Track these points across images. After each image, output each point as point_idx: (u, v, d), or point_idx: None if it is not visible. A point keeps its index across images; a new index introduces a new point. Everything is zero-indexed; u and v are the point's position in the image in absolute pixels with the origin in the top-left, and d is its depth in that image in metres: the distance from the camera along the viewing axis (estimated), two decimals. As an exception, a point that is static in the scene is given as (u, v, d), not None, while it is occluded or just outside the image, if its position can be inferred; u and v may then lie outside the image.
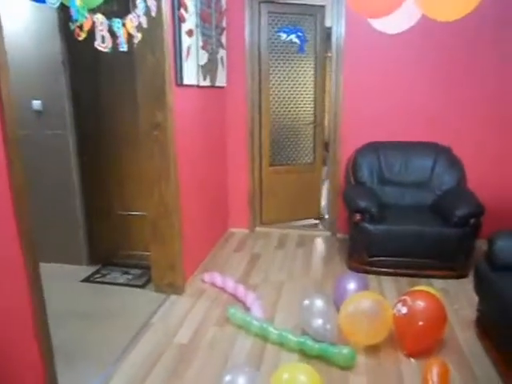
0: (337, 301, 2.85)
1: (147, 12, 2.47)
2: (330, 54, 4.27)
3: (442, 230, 3.32)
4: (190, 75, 3.19)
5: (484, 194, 3.58)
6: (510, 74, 3.82)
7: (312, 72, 4.61)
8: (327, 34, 4.39)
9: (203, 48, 3.42)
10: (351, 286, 2.87)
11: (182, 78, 3.03)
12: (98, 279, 3.46)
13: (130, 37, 2.31)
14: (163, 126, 2.90)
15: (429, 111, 4.02)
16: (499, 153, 3.99)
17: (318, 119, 4.77)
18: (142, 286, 3.33)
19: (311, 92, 4.65)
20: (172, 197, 3.01)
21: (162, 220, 3.06)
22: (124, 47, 2.22)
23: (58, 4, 1.74)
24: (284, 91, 4.53)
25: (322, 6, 4.44)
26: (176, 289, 3.19)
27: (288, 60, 4.47)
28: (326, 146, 4.81)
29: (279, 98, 4.52)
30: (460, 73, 3.90)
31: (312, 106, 4.69)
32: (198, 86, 3.38)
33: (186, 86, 3.14)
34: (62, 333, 2.69)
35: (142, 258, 3.60)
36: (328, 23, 4.08)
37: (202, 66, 3.40)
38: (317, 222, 4.83)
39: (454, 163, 3.82)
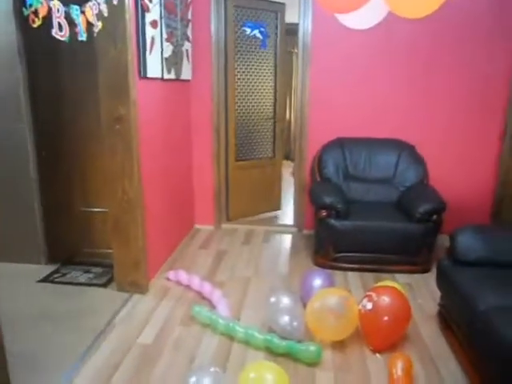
0: (303, 297, 2.85)
1: (108, 0, 2.37)
2: (296, 50, 4.27)
3: (406, 225, 3.37)
4: (154, 68, 3.10)
5: (446, 192, 3.65)
6: (475, 74, 3.90)
7: (273, 68, 4.65)
8: (292, 30, 4.39)
9: (168, 40, 3.32)
10: (317, 282, 2.87)
11: (145, 71, 2.94)
12: (57, 279, 3.32)
13: (89, 25, 2.20)
14: (126, 120, 2.80)
15: (395, 108, 4.06)
16: (461, 153, 4.08)
17: (278, 114, 4.82)
18: (104, 285, 3.22)
19: (272, 87, 4.68)
20: (135, 192, 2.92)
21: (125, 216, 2.97)
22: (83, 36, 2.12)
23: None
24: (248, 86, 4.52)
25: (283, 4, 4.53)
26: (139, 287, 3.11)
27: (252, 55, 4.48)
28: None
29: (244, 92, 4.50)
30: (426, 71, 3.96)
31: (272, 101, 4.72)
32: (162, 79, 3.29)
33: (150, 78, 3.05)
34: (21, 337, 2.57)
35: (105, 256, 3.48)
36: (294, 19, 4.06)
37: (166, 59, 3.31)
38: (277, 213, 4.95)
39: (417, 160, 3.88)
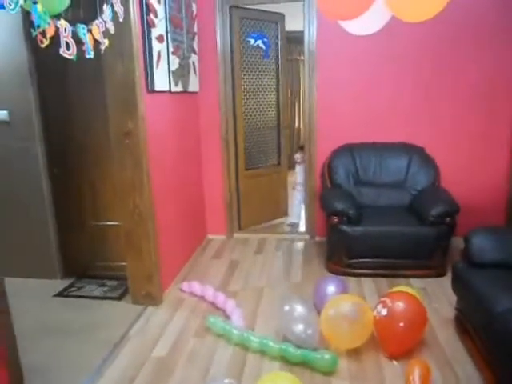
0: (317, 305, 2.83)
1: (114, 17, 2.40)
2: (302, 58, 4.31)
3: (419, 229, 3.34)
4: (162, 81, 3.13)
5: (459, 193, 3.61)
6: (482, 74, 3.87)
7: (275, 76, 4.74)
8: (299, 37, 4.42)
9: (174, 53, 3.36)
10: (331, 289, 2.85)
11: (153, 85, 2.97)
12: (72, 293, 3.35)
13: (97, 43, 2.24)
14: (134, 134, 2.83)
15: (402, 112, 4.05)
16: (472, 153, 4.04)
17: (283, 122, 4.88)
18: (119, 298, 3.24)
19: (275, 96, 4.77)
20: (146, 206, 2.94)
21: (137, 229, 2.99)
22: (90, 54, 2.15)
23: (16, 9, 1.67)
24: (254, 95, 4.57)
25: (282, 14, 4.66)
26: (153, 300, 3.12)
27: (256, 65, 4.54)
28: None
29: (250, 102, 4.54)
30: (432, 73, 3.94)
31: (276, 109, 4.80)
32: (169, 92, 3.32)
33: (158, 92, 3.08)
34: (36, 351, 2.59)
35: (119, 269, 3.50)
36: (299, 26, 4.09)
37: (173, 72, 3.34)
38: (284, 219, 5.02)
39: (428, 162, 3.85)
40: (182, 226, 3.74)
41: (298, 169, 4.86)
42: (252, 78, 4.51)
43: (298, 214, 4.87)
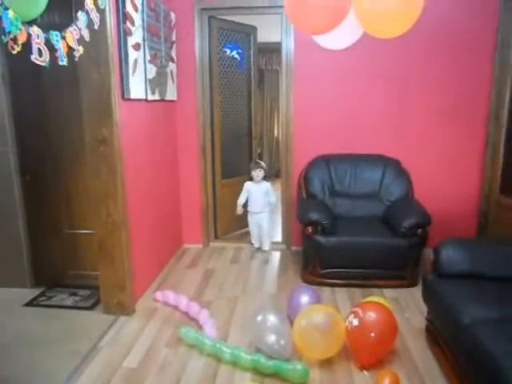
0: (291, 315, 2.83)
1: (90, 25, 2.39)
2: (278, 68, 4.36)
3: (392, 240, 3.38)
4: (138, 89, 3.11)
5: (431, 205, 3.68)
6: (457, 86, 3.96)
7: (247, 87, 4.82)
8: (278, 48, 4.46)
9: (151, 62, 3.35)
10: (304, 299, 2.86)
11: (128, 93, 2.95)
12: (42, 302, 3.28)
13: (71, 50, 2.22)
14: (109, 142, 2.81)
15: (378, 124, 4.11)
16: (446, 165, 4.12)
17: (254, 132, 4.96)
18: (91, 308, 3.19)
19: (248, 106, 4.82)
20: (120, 214, 2.91)
21: (110, 238, 2.96)
22: (63, 61, 2.12)
23: (-14, 15, 1.64)
24: (230, 105, 4.61)
25: (255, 27, 4.76)
26: (126, 309, 3.08)
27: (232, 75, 4.59)
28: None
29: (227, 111, 4.58)
30: (407, 86, 4.02)
31: (247, 118, 4.86)
32: (146, 100, 3.31)
33: (133, 100, 3.06)
34: (5, 362, 2.52)
35: (92, 278, 3.44)
36: (277, 38, 4.13)
37: (150, 80, 3.33)
38: None
39: (402, 174, 3.92)
40: (157, 234, 3.71)
41: (256, 187, 4.15)
42: (228, 88, 4.55)
43: (259, 236, 4.31)
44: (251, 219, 4.28)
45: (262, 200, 4.15)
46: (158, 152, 3.72)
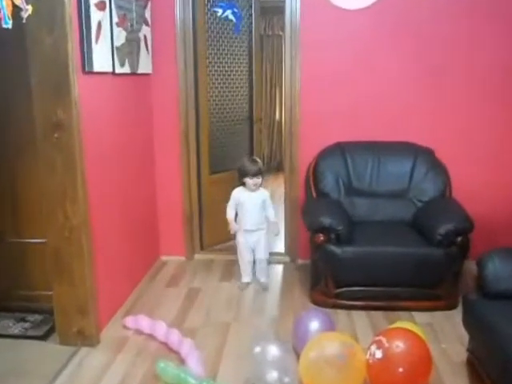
0: (297, 346, 2.84)
1: (41, -22, 2.39)
2: (281, 33, 4.36)
3: (424, 250, 3.40)
4: (103, 60, 3.11)
5: (473, 207, 3.68)
6: (507, 62, 3.97)
7: (247, 56, 4.79)
8: (279, 8, 4.47)
9: (119, 25, 3.35)
10: (314, 325, 2.87)
11: (91, 64, 2.95)
12: (-18, 331, 3.28)
13: (17, 10, 2.21)
14: (66, 126, 2.80)
15: (406, 104, 4.12)
16: (491, 156, 4.15)
17: (256, 114, 4.89)
18: (43, 338, 3.19)
19: (247, 81, 4.81)
20: (80, 218, 2.91)
21: (68, 248, 2.96)
22: (8, 23, 2.12)
23: None
24: (223, 80, 4.59)
25: None
26: (88, 339, 3.08)
27: (225, 41, 4.58)
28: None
29: (218, 88, 4.55)
30: (443, 57, 4.03)
31: (247, 97, 4.82)
32: (113, 74, 3.31)
33: (97, 73, 3.06)
34: None
35: (44, 300, 3.43)
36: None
37: (118, 48, 3.33)
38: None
39: (437, 168, 3.93)
40: (128, 244, 3.71)
41: (249, 197, 3.83)
42: (220, 58, 4.55)
43: (246, 267, 4.00)
44: (242, 241, 3.91)
45: (257, 214, 3.83)
46: (129, 140, 3.72)
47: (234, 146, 4.84)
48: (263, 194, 3.86)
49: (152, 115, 4.27)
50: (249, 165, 3.78)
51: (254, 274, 4.03)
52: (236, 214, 3.89)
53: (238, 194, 3.84)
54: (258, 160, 3.93)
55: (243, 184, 3.81)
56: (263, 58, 8.06)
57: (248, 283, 3.96)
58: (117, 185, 3.48)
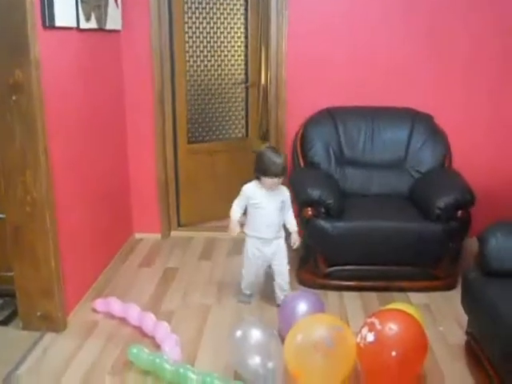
0: (282, 329, 2.86)
1: None
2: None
3: (422, 226, 3.43)
4: (66, 13, 3.06)
5: (475, 178, 3.72)
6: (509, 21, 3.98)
7: (242, 10, 4.64)
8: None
9: (85, -26, 3.29)
10: (302, 308, 2.89)
11: (52, 18, 2.89)
12: None
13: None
14: (26, 89, 2.76)
15: (403, 66, 4.12)
16: (496, 124, 4.17)
17: (252, 77, 4.74)
18: (5, 322, 3.20)
19: (241, 39, 4.64)
20: (43, 192, 2.88)
21: (30, 225, 2.94)
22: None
23: None
24: (205, 38, 4.49)
25: None
26: (54, 324, 3.08)
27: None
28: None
29: (199, 46, 4.47)
30: (442, 14, 4.02)
31: (243, 58, 4.69)
32: (78, 30, 3.26)
33: (60, 29, 3.01)
34: None
35: (5, 282, 3.42)
36: None
37: (83, 1, 3.27)
38: None
39: (437, 136, 3.95)
40: (97, 220, 3.70)
41: (266, 197, 3.28)
42: (202, 13, 4.44)
43: (252, 282, 3.53)
44: (254, 253, 3.38)
45: (276, 219, 3.32)
46: (97, 104, 3.68)
47: (223, 114, 4.74)
48: (283, 193, 3.32)
49: (122, 77, 4.21)
50: (273, 161, 3.17)
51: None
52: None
53: (253, 191, 3.30)
54: (282, 154, 3.39)
55: (257, 178, 3.28)
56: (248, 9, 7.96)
57: (251, 294, 3.53)
58: (84, 154, 3.45)
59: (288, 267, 3.40)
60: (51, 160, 2.94)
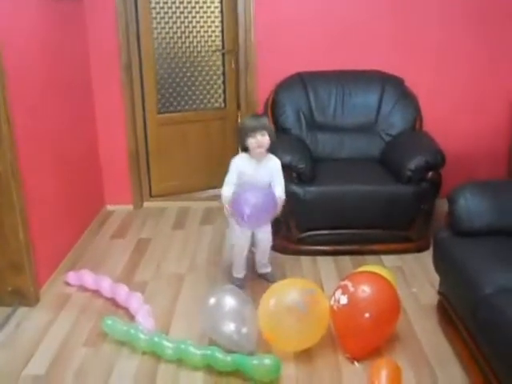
0: (240, 216, 2.90)
1: None
2: None
3: (393, 188, 3.48)
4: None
5: (445, 139, 3.75)
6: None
7: None
8: None
9: None
10: (252, 193, 2.95)
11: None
12: None
13: None
14: (-16, 55, 2.71)
15: (372, 28, 4.11)
16: (466, 85, 4.20)
17: (228, 43, 4.58)
18: (-25, 298, 3.17)
19: (215, 3, 4.48)
20: (7, 162, 2.84)
21: (-5, 197, 2.91)
22: None
23: None
24: (174, 3, 4.36)
25: None
26: (25, 298, 3.08)
27: None
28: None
29: (167, 13, 4.35)
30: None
31: (219, 22, 4.55)
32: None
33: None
34: None
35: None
36: None
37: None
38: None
39: (407, 97, 3.98)
40: (67, 192, 3.67)
41: (255, 168, 3.12)
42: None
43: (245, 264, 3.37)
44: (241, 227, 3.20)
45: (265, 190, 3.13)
46: (61, 73, 3.63)
47: (196, 83, 4.62)
48: (273, 163, 3.15)
49: (87, 45, 4.14)
50: (248, 121, 3.15)
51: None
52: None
53: (242, 162, 3.12)
54: (262, 116, 3.42)
55: (246, 150, 3.12)
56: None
57: (244, 278, 3.36)
58: (50, 125, 3.41)
59: (271, 244, 3.32)
60: (15, 130, 2.89)
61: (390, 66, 4.08)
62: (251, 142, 3.00)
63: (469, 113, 4.23)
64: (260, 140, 2.99)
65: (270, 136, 3.03)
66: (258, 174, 3.07)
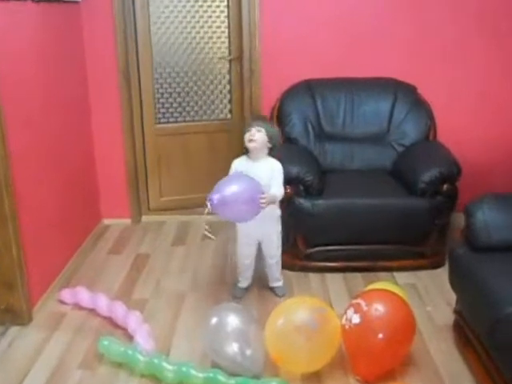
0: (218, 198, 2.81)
1: None
2: None
3: (406, 202, 3.46)
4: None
5: (461, 150, 3.74)
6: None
7: None
8: None
9: None
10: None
11: (4, -12, 2.84)
12: None
13: None
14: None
15: (384, 34, 4.12)
16: (483, 94, 4.19)
17: (235, 50, 4.51)
18: (-36, 317, 3.16)
19: (221, 8, 4.48)
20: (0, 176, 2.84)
21: (-14, 211, 2.91)
22: None
23: None
24: (176, 8, 4.37)
25: None
26: (18, 317, 3.07)
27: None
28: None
29: (170, 15, 4.35)
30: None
31: (225, 27, 4.52)
32: (32, 0, 3.22)
33: (13, -1, 2.97)
34: None
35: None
36: None
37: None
38: None
39: (420, 106, 3.97)
40: (62, 207, 3.68)
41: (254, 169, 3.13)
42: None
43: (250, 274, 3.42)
44: (243, 232, 3.30)
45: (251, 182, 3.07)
46: (57, 82, 3.65)
47: (199, 92, 4.58)
48: (272, 164, 3.15)
49: (84, 53, 4.15)
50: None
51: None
52: None
53: (239, 163, 3.19)
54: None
55: (246, 151, 3.18)
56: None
57: (246, 289, 3.42)
58: (45, 137, 3.43)
59: (279, 253, 3.31)
60: (8, 143, 2.90)
61: (401, 73, 4.09)
62: (246, 136, 3.07)
63: (485, 122, 4.22)
64: (253, 133, 3.03)
65: (270, 138, 3.07)
66: (253, 174, 3.02)
